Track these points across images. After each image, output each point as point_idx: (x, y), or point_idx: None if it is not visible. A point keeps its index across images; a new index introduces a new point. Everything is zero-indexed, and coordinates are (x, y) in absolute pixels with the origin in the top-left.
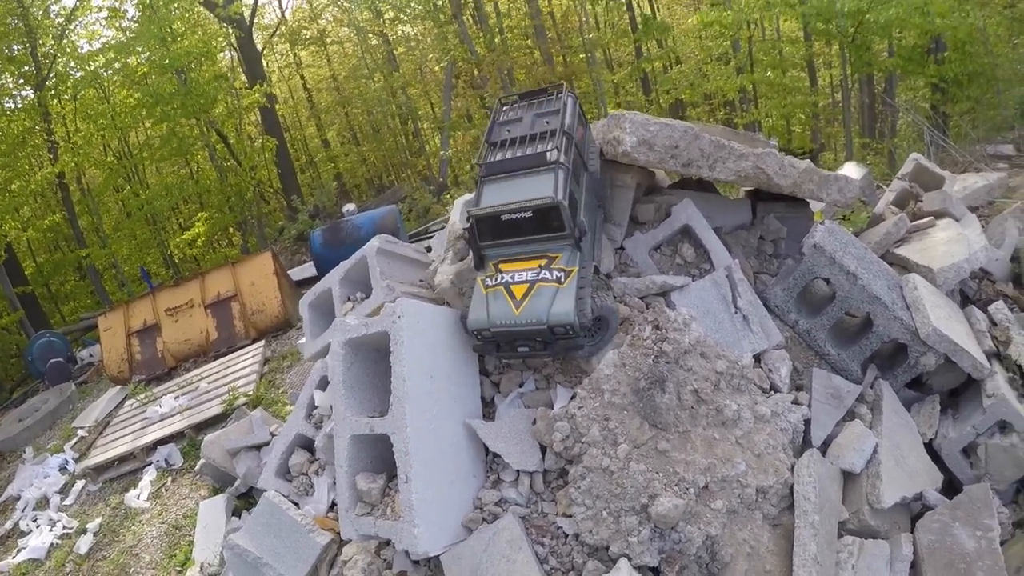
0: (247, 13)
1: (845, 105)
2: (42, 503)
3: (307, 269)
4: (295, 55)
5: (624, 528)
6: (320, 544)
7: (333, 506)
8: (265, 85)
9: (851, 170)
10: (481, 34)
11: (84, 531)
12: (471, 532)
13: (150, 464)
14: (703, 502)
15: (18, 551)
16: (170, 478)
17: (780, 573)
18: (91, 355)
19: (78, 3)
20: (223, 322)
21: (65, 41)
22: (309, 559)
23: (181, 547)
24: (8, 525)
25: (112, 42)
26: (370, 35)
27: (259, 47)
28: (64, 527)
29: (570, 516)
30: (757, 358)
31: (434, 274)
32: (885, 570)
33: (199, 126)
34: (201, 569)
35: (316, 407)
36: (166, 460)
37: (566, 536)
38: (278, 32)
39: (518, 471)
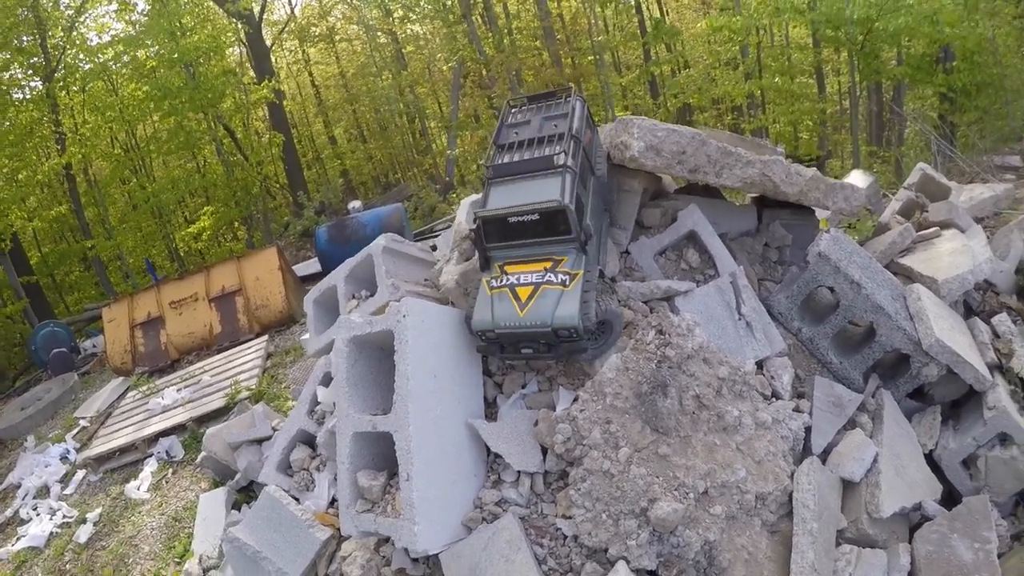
0: (256, 9)
1: (853, 112)
2: (43, 492)
3: (312, 265)
4: (304, 51)
5: (623, 531)
6: (320, 539)
7: (333, 502)
8: (273, 81)
9: (857, 178)
10: (490, 35)
11: (84, 521)
12: (471, 531)
13: (151, 455)
14: (702, 507)
15: (18, 539)
16: (171, 470)
17: None
18: (94, 346)
19: None
20: (227, 316)
21: (75, 33)
22: (308, 554)
23: (180, 539)
24: (8, 513)
25: (121, 35)
26: (379, 33)
27: (268, 43)
28: (64, 516)
29: (570, 518)
30: (760, 365)
31: (439, 274)
32: None
33: (207, 120)
34: (200, 561)
35: (319, 403)
36: (167, 452)
37: (565, 537)
38: (287, 28)
39: (519, 472)
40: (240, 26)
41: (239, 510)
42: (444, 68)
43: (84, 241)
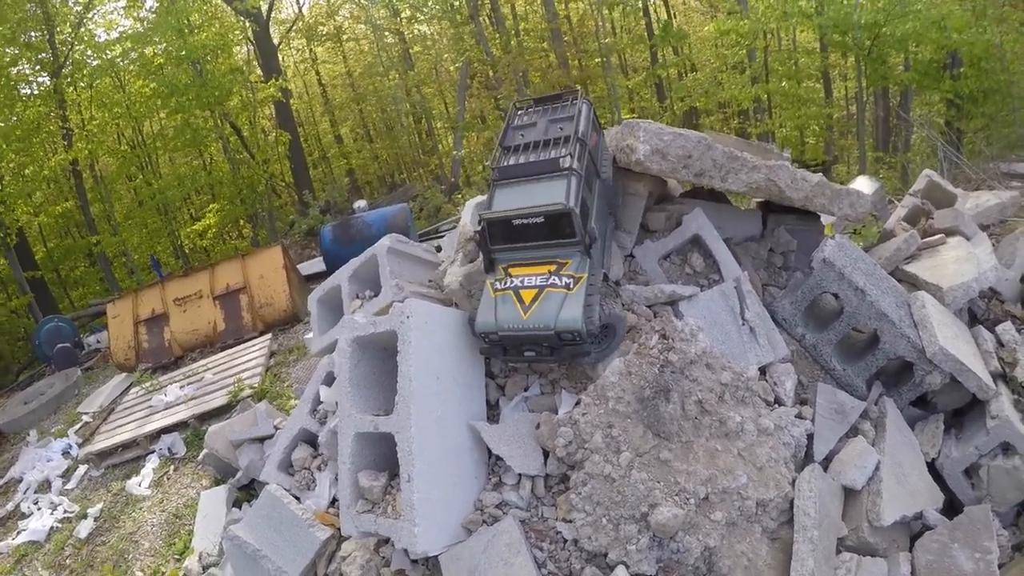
0: (264, 7)
1: (859, 118)
2: (44, 486)
3: (316, 264)
4: (311, 51)
5: (623, 536)
6: (320, 539)
7: (334, 502)
8: (280, 79)
9: (863, 184)
10: (497, 36)
11: (85, 516)
12: (471, 533)
13: (153, 452)
14: (703, 513)
15: (18, 533)
16: (172, 467)
17: None
18: (98, 341)
19: None
20: (231, 314)
21: (83, 29)
22: (308, 553)
23: (181, 536)
24: (9, 507)
25: (129, 32)
26: (386, 33)
27: (275, 41)
28: (65, 511)
29: (570, 521)
30: (763, 371)
31: (443, 275)
32: None
33: (213, 118)
34: (200, 558)
35: (321, 402)
36: (169, 449)
37: (565, 541)
38: (295, 27)
39: (520, 474)
40: (248, 24)
41: (240, 508)
42: (451, 69)
43: (89, 237)
